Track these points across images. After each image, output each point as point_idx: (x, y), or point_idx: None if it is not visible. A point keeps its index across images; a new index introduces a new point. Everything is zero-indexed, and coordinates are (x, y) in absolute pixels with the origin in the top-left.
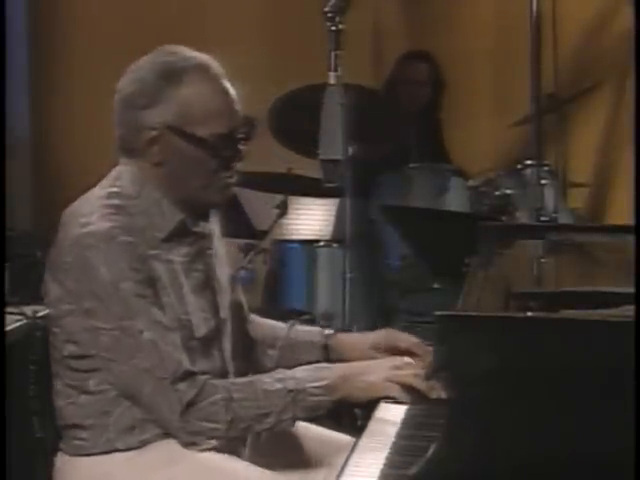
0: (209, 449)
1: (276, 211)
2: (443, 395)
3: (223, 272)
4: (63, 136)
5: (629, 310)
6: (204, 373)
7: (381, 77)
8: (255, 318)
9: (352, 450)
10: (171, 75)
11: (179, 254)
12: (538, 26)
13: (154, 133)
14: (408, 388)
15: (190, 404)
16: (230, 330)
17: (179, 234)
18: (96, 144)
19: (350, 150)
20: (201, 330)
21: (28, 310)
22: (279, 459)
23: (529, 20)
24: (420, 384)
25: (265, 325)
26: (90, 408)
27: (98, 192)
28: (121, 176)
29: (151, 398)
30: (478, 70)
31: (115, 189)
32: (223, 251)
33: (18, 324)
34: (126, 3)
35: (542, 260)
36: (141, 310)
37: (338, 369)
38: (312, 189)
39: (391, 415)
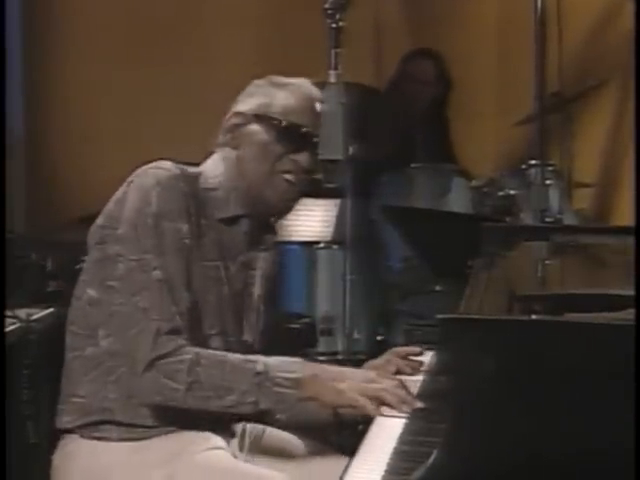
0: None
1: None
2: (417, 406)
3: (259, 304)
4: (58, 137)
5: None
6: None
7: (382, 75)
8: None
9: (353, 455)
10: (276, 82)
11: (222, 256)
12: (543, 23)
13: (239, 119)
14: (378, 401)
15: (160, 357)
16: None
17: (231, 228)
18: (92, 145)
19: (350, 150)
20: (219, 321)
21: (22, 313)
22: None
23: (533, 17)
24: (390, 398)
25: None
26: (94, 361)
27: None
28: (209, 161)
29: (134, 338)
30: (481, 68)
31: (199, 169)
32: (265, 287)
33: (12, 327)
34: (123, 2)
35: (546, 262)
36: (168, 252)
37: (311, 367)
38: (312, 190)
39: (393, 420)
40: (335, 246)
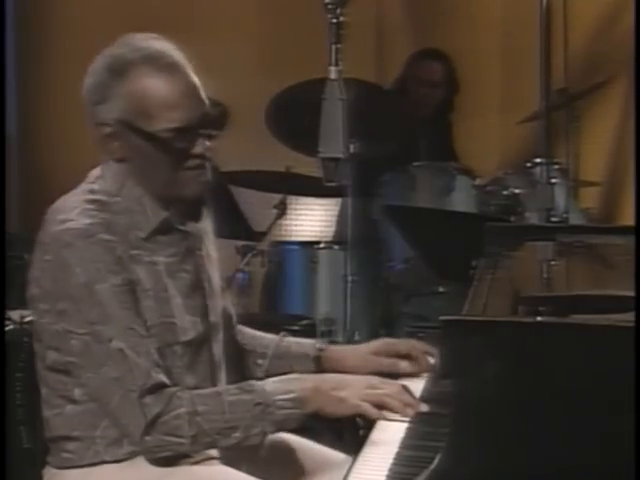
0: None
1: (275, 211)
2: (421, 409)
3: (215, 275)
4: (51, 136)
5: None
6: (174, 384)
7: (384, 71)
8: (243, 328)
9: (354, 461)
10: (118, 69)
11: (164, 254)
12: (548, 19)
13: (109, 129)
14: (381, 406)
15: (155, 419)
16: (221, 336)
17: (164, 232)
18: (84, 145)
19: (352, 148)
20: (188, 334)
21: (15, 315)
22: (275, 474)
23: (539, 13)
24: (394, 403)
25: (254, 334)
26: (76, 419)
27: (81, 189)
28: (103, 173)
29: (118, 409)
30: (485, 64)
31: (97, 186)
32: (216, 253)
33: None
34: (116, 2)
35: (552, 263)
36: (114, 316)
37: (309, 381)
38: (312, 188)
39: (395, 424)
40: (336, 246)
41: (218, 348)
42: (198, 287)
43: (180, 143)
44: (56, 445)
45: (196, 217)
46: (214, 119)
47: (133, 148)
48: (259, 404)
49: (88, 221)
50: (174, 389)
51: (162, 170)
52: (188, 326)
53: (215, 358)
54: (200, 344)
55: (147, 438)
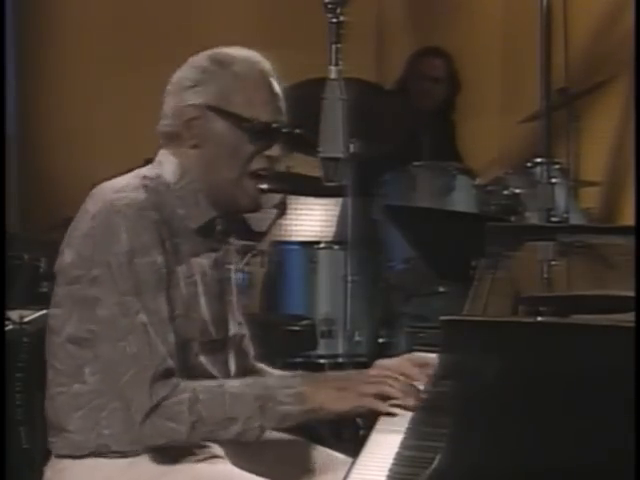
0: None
1: (274, 211)
2: (421, 396)
3: (234, 295)
4: (51, 136)
5: None
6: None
7: (385, 71)
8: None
9: (354, 461)
10: (222, 61)
11: (200, 254)
12: (548, 19)
13: (194, 112)
14: (383, 399)
15: (159, 402)
16: (236, 354)
17: (207, 233)
18: (85, 144)
19: (352, 147)
20: (209, 335)
21: (14, 315)
22: (278, 473)
23: (539, 12)
24: (393, 392)
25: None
26: (82, 399)
27: (138, 172)
28: (163, 161)
29: (127, 387)
30: (486, 64)
31: (156, 172)
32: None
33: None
34: (116, 3)
35: (552, 263)
36: (146, 291)
37: (310, 378)
38: (312, 188)
39: (395, 424)
40: (336, 246)
41: (232, 364)
42: (221, 300)
43: (260, 136)
44: (58, 426)
45: (237, 233)
46: (298, 136)
47: (212, 135)
48: (260, 398)
49: (143, 197)
50: (179, 379)
51: (229, 165)
52: (211, 329)
53: (230, 374)
54: (215, 353)
55: (147, 422)
